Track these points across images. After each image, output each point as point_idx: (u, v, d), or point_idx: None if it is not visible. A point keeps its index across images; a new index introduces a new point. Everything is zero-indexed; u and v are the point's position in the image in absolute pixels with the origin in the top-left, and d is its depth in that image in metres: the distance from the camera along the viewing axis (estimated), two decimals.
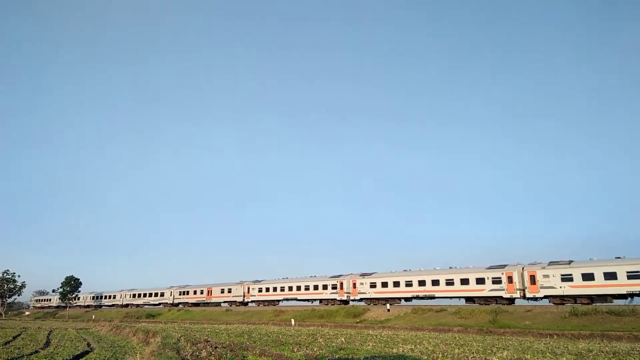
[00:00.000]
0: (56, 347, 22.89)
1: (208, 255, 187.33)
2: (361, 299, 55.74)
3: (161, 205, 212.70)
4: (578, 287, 38.85)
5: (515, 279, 43.10)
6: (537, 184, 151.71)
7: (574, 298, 39.32)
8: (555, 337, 28.49)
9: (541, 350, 18.01)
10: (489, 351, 17.09)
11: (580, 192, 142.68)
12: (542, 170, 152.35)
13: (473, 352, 16.39)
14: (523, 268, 42.96)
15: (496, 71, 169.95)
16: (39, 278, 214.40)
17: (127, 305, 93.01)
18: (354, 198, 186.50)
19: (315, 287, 60.94)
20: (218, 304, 76.01)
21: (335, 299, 57.81)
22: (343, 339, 22.38)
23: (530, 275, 41.84)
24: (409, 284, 50.59)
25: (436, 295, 48.59)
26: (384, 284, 53.08)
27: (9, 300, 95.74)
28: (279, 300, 66.41)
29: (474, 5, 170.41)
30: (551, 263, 41.77)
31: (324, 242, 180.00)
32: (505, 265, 44.71)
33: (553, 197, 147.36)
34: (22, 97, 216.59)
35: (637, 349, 18.82)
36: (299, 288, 63.11)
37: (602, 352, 17.09)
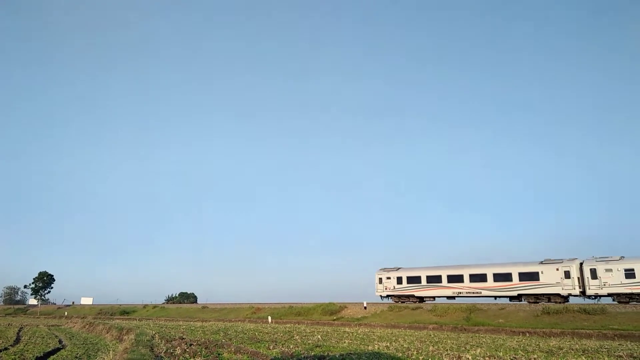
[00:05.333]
0: (26, 344, 22.33)
1: (208, 258, 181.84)
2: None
3: (157, 205, 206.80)
4: None
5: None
6: (533, 183, 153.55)
7: None
8: (527, 334, 29.07)
9: (513, 347, 18.35)
10: (463, 348, 17.34)
11: (576, 191, 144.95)
12: (540, 169, 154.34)
13: (447, 350, 16.59)
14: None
15: (493, 72, 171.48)
16: (8, 274, 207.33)
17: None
18: (355, 197, 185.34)
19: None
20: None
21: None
22: (319, 337, 22.42)
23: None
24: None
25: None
26: None
27: None
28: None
29: (474, 4, 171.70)
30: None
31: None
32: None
33: (549, 196, 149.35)
34: (13, 94, 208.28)
35: (606, 346, 19.35)
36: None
37: (572, 350, 17.50)
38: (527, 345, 19.79)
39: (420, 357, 14.37)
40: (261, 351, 15.83)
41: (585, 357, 15.09)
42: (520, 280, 42.02)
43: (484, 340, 22.74)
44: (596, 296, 38.63)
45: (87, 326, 37.28)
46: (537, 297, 41.14)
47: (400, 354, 15.18)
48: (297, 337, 21.91)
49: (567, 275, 39.54)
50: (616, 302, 36.80)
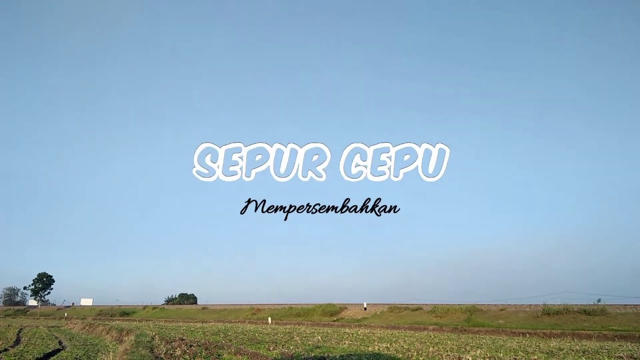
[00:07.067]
0: (26, 345, 22.30)
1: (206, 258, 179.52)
2: None
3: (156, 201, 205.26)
4: None
5: None
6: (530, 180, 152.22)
7: None
8: (527, 335, 29.02)
9: (513, 348, 18.33)
10: (463, 349, 17.32)
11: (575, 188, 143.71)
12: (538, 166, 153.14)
13: (447, 351, 16.58)
14: None
15: (491, 67, 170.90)
16: (8, 275, 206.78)
17: None
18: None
19: None
20: None
21: None
22: (319, 338, 22.40)
23: None
24: None
25: None
26: None
27: None
28: None
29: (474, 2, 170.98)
30: None
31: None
32: None
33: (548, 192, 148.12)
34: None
35: (606, 347, 19.32)
36: None
37: (572, 351, 17.48)
38: (528, 346, 19.77)
39: (421, 358, 14.37)
40: (261, 352, 15.81)
41: (585, 358, 15.07)
42: None
43: (484, 341, 22.71)
44: None
45: (87, 327, 37.25)
46: None
47: (401, 355, 15.17)
48: (297, 338, 21.89)
49: None
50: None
